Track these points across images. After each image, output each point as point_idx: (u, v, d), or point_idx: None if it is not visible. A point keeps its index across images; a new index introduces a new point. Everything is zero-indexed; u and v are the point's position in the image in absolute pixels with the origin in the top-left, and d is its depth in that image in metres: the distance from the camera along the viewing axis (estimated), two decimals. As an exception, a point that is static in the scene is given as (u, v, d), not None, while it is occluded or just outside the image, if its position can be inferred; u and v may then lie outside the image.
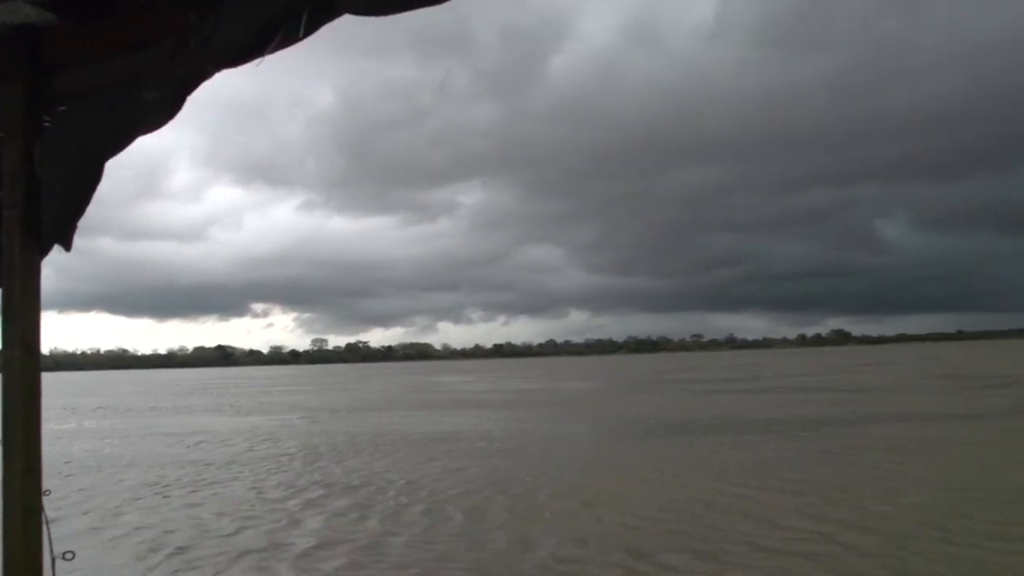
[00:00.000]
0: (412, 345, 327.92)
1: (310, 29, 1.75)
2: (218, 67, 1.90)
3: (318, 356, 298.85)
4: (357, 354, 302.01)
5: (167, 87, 1.97)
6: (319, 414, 34.60)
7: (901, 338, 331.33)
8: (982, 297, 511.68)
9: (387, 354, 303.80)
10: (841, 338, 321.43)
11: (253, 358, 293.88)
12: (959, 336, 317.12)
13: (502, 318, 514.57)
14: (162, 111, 2.01)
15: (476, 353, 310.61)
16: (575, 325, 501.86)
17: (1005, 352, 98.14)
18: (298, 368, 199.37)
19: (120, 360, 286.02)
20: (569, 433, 22.87)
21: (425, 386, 62.88)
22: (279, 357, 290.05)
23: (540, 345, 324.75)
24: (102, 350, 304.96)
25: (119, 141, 2.10)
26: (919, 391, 34.70)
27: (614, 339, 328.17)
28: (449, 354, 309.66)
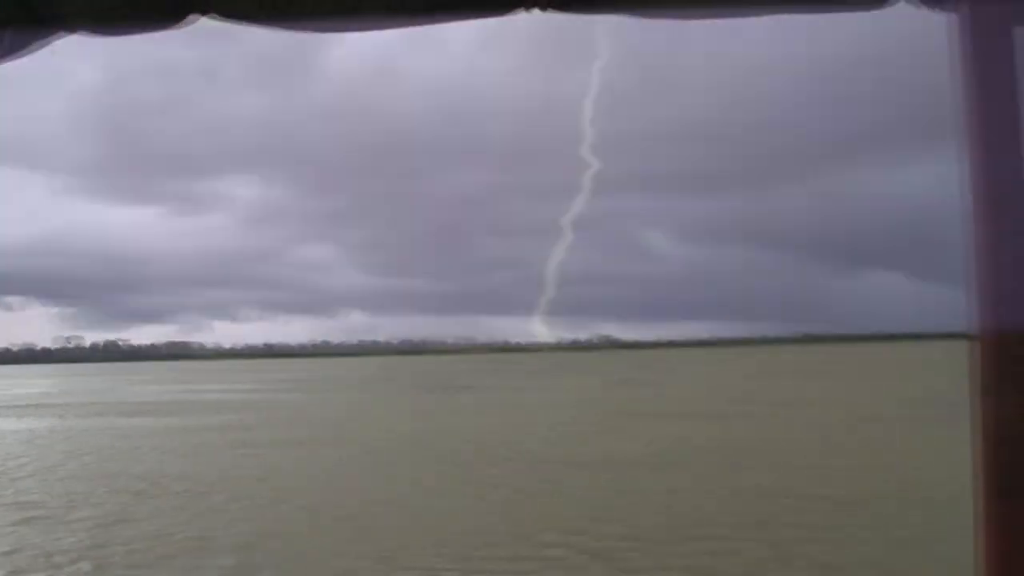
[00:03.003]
0: (176, 344, 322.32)
1: None
2: None
3: (74, 354, 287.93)
4: (118, 352, 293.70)
5: None
6: None
7: (667, 343, 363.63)
8: (738, 306, 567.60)
9: (148, 353, 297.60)
10: (608, 343, 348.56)
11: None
12: (720, 342, 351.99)
13: (278, 317, 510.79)
14: None
15: (244, 353, 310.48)
16: (353, 325, 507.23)
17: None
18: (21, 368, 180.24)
19: None
20: None
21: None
22: (31, 355, 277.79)
23: (314, 345, 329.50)
24: None
25: None
26: None
27: (387, 340, 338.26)
28: (216, 354, 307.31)
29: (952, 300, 1.69)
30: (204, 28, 1.74)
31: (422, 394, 41.11)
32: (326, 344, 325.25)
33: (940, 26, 1.66)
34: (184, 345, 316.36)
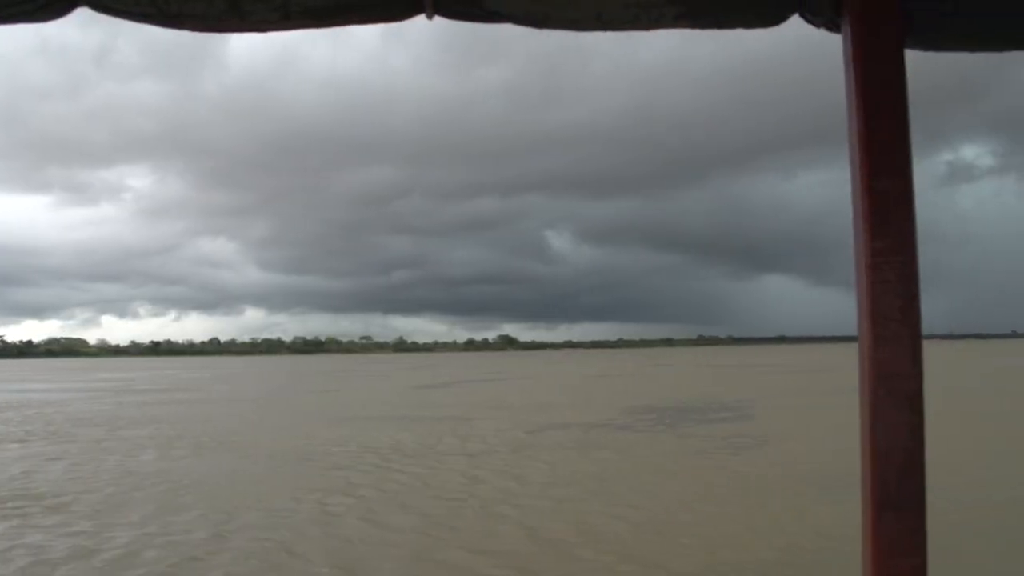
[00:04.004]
0: (57, 340, 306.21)
1: None
2: None
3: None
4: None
5: None
6: None
7: (567, 344, 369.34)
8: (640, 308, 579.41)
9: (25, 350, 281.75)
10: (507, 343, 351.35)
11: None
12: (620, 344, 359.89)
13: (172, 313, 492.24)
14: None
15: (132, 351, 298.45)
16: (251, 323, 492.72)
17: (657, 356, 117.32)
18: None
19: None
20: None
21: None
22: None
23: (203, 343, 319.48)
24: None
25: None
26: None
27: (283, 339, 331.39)
28: (102, 351, 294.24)
29: (847, 306, 1.75)
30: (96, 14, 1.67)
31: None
32: (215, 342, 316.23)
33: (834, 42, 1.72)
34: (72, 341, 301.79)
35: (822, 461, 15.37)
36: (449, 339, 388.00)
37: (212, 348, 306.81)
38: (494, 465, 16.36)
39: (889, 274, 1.57)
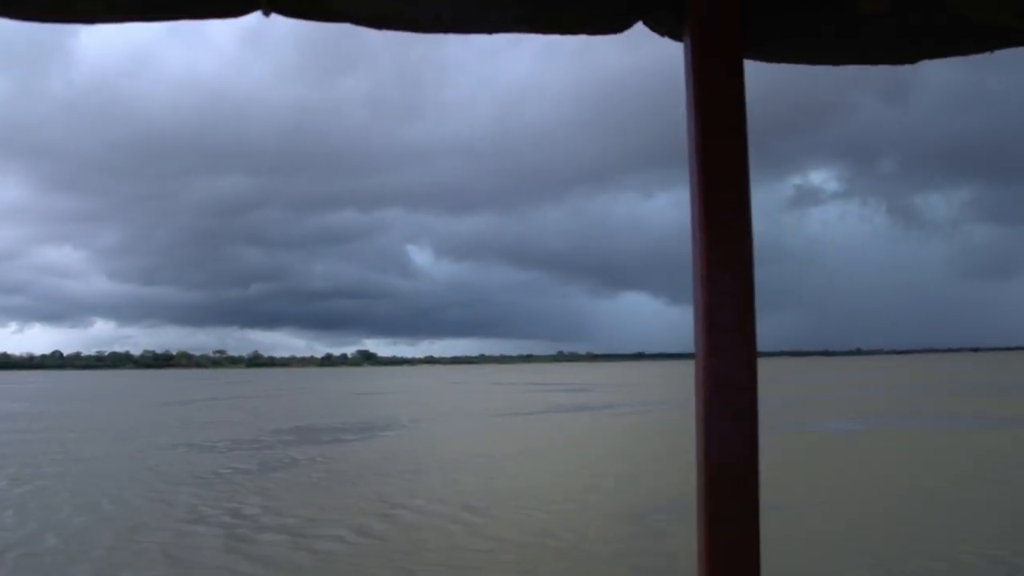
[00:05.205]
0: None
1: None
2: None
3: None
4: None
5: None
6: None
7: (427, 359, 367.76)
8: (501, 324, 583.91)
9: None
10: (364, 359, 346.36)
11: None
12: (481, 360, 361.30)
13: (12, 325, 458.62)
14: None
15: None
16: (101, 335, 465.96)
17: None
18: None
19: None
20: None
21: None
22: None
23: (43, 357, 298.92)
24: None
25: None
26: None
27: (132, 352, 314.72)
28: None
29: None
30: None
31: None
32: (57, 356, 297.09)
33: (679, 53, 1.71)
34: None
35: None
36: (308, 354, 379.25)
37: (53, 362, 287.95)
38: None
39: (725, 286, 1.56)
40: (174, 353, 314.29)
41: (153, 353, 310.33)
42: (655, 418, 34.40)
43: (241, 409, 46.16)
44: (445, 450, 23.42)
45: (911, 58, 1.87)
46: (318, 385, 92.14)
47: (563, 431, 29.54)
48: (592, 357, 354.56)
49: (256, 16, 1.64)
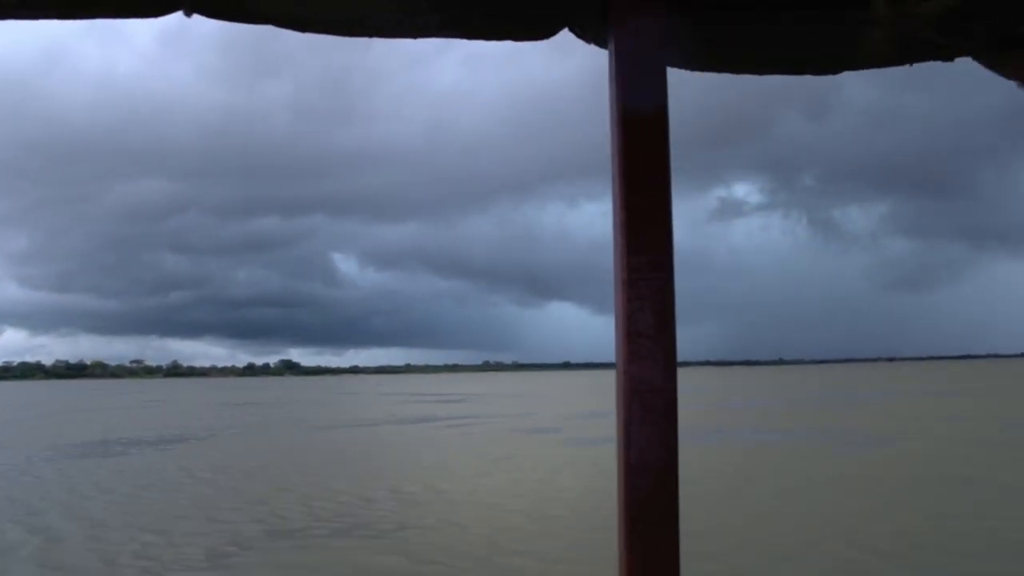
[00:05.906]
0: None
1: None
2: None
3: None
4: None
5: None
6: None
7: (352, 369, 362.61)
8: (428, 334, 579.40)
9: None
10: (287, 368, 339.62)
11: None
12: (407, 369, 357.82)
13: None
14: None
15: None
16: (10, 345, 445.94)
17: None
18: None
19: None
20: None
21: None
22: None
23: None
24: None
25: None
26: None
27: (44, 362, 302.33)
28: None
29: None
30: None
31: None
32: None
33: (606, 61, 1.72)
34: None
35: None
36: (229, 363, 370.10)
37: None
38: None
39: (645, 291, 1.57)
40: (88, 363, 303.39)
41: (66, 363, 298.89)
42: (482, 431, 33.40)
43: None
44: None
45: (834, 69, 1.91)
46: (190, 396, 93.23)
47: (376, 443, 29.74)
48: (519, 366, 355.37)
49: (178, 16, 1.61)
